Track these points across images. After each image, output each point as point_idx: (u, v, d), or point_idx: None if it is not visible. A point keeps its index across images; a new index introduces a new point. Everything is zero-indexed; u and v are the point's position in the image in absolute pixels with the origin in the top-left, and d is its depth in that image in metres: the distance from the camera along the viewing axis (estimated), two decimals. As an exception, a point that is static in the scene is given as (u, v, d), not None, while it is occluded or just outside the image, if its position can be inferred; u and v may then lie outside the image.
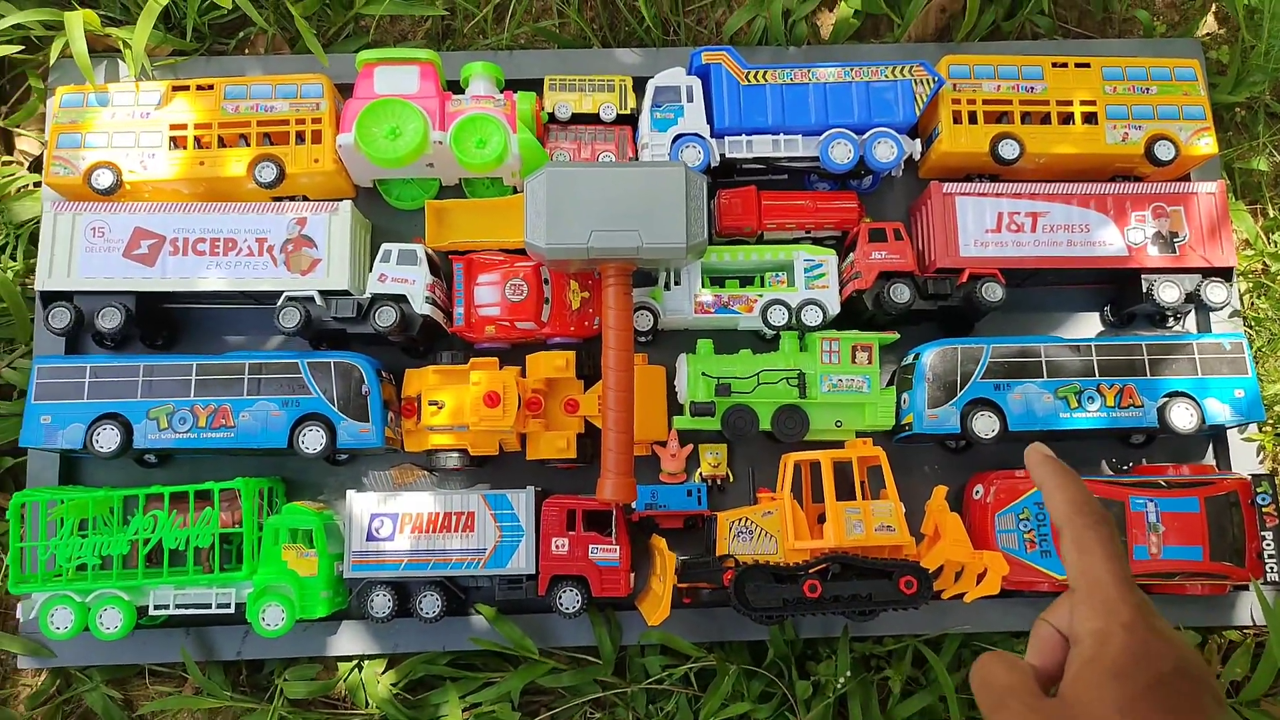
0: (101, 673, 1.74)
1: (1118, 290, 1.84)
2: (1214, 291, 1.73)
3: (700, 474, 1.79)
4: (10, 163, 1.90)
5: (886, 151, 1.75)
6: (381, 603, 1.65)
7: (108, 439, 1.62)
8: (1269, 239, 1.92)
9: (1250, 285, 1.88)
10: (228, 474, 1.71)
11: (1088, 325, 1.89)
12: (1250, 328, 1.86)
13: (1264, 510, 1.67)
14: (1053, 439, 1.73)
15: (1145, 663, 0.58)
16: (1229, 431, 1.80)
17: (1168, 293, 1.73)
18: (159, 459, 1.78)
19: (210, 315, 1.84)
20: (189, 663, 1.68)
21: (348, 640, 1.72)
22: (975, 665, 0.66)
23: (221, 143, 1.76)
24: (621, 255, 1.59)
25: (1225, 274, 1.76)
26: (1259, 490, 1.67)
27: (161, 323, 1.80)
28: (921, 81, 1.77)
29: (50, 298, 1.70)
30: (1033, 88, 1.81)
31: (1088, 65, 1.82)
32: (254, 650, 1.71)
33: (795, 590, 1.56)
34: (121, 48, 1.79)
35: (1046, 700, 0.62)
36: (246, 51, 1.95)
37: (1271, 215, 1.95)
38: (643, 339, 1.80)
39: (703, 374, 1.72)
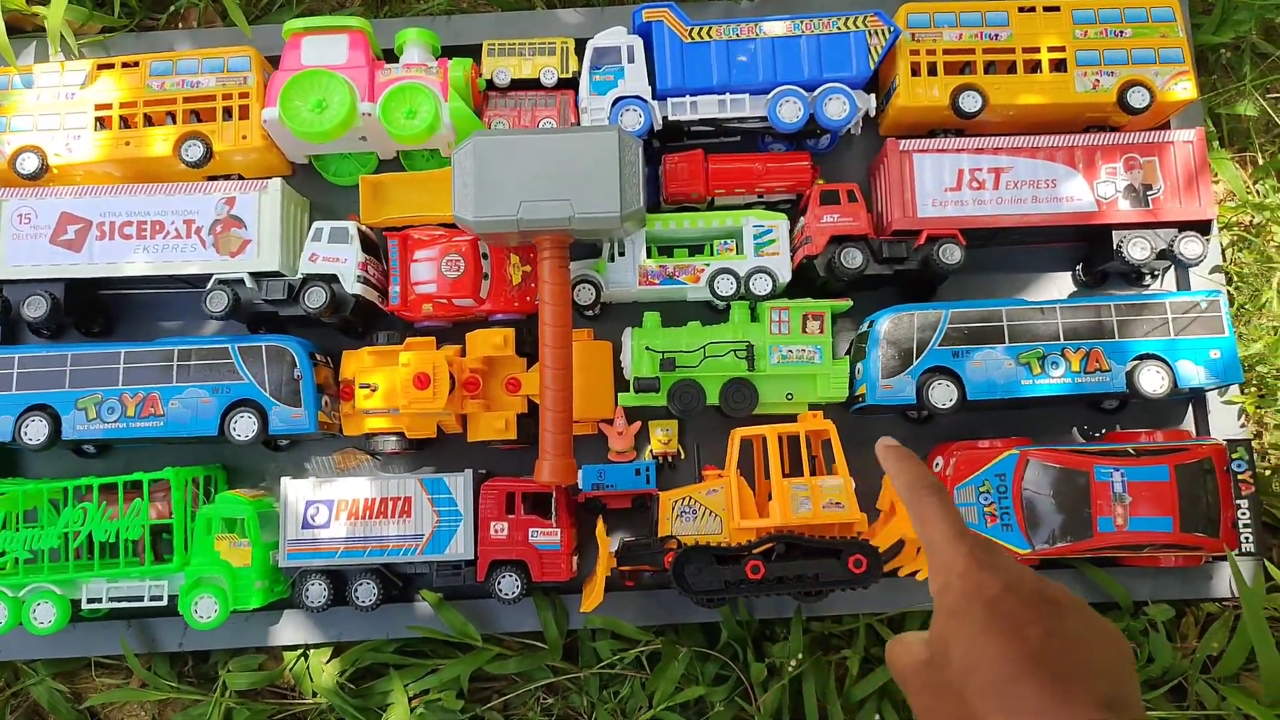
0: (46, 666, 1.72)
1: (1090, 248, 1.74)
2: (1188, 246, 1.63)
3: (650, 451, 1.73)
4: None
5: (838, 108, 1.66)
6: (317, 592, 1.60)
7: (36, 431, 1.59)
8: (1255, 188, 1.80)
9: (1233, 239, 1.77)
10: (170, 462, 1.67)
11: (1060, 285, 1.79)
12: (1233, 284, 1.75)
13: (1239, 477, 1.57)
14: (1017, 407, 1.64)
15: (976, 595, 0.62)
16: (1209, 394, 1.69)
17: (1137, 249, 1.63)
18: (98, 449, 1.75)
19: (146, 301, 1.79)
20: (129, 655, 1.65)
21: (291, 630, 1.69)
22: (888, 650, 0.70)
23: (149, 121, 1.71)
24: (554, 226, 1.52)
25: (1204, 227, 1.65)
26: (1234, 456, 1.57)
27: (96, 310, 1.76)
28: (876, 32, 1.66)
29: (-23, 288, 1.66)
30: (997, 35, 1.70)
31: (1057, 8, 1.71)
32: (196, 642, 1.68)
33: (738, 571, 1.50)
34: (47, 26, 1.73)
35: (923, 663, 0.65)
36: (179, 26, 1.89)
37: (1262, 163, 1.82)
38: (589, 313, 1.73)
39: (647, 348, 1.65)
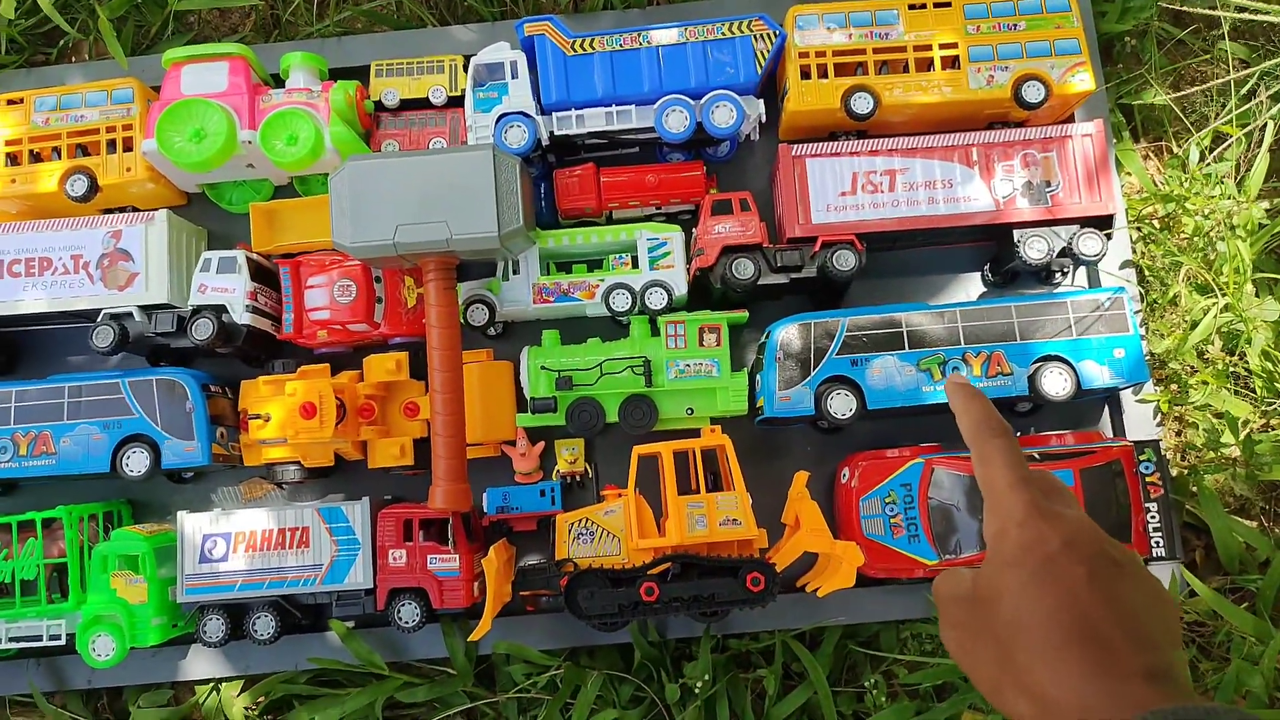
0: (-45, 708, 1.71)
1: (997, 248, 1.70)
2: (1087, 243, 1.59)
3: (557, 471, 1.70)
4: None
5: (725, 116, 1.62)
6: (214, 627, 1.59)
7: (-72, 473, 1.58)
8: (1163, 179, 1.76)
9: (1144, 233, 1.72)
10: (75, 499, 1.66)
11: (971, 287, 1.75)
12: (1144, 280, 1.71)
13: (1148, 480, 1.53)
14: (927, 414, 1.61)
15: (1034, 548, 0.61)
16: (1123, 394, 1.65)
17: (1034, 249, 1.59)
18: (3, 488, 1.74)
19: (46, 337, 1.78)
20: (36, 695, 1.64)
21: (201, 663, 1.67)
22: (936, 581, 0.71)
23: (35, 157, 1.70)
24: (432, 249, 1.50)
25: (1107, 223, 1.61)
26: (1141, 458, 1.54)
27: (-1, 347, 1.75)
28: (762, 36, 1.63)
29: None
30: (888, 34, 1.66)
31: (949, 4, 1.66)
32: (105, 679, 1.67)
33: (632, 594, 1.47)
34: (-72, 66, 1.72)
35: (968, 599, 0.66)
36: (73, 59, 1.87)
37: (1175, 152, 1.78)
38: (490, 333, 1.71)
39: (542, 367, 1.62)
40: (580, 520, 1.55)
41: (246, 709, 1.67)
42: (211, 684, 1.69)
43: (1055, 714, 0.57)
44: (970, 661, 0.65)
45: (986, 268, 1.73)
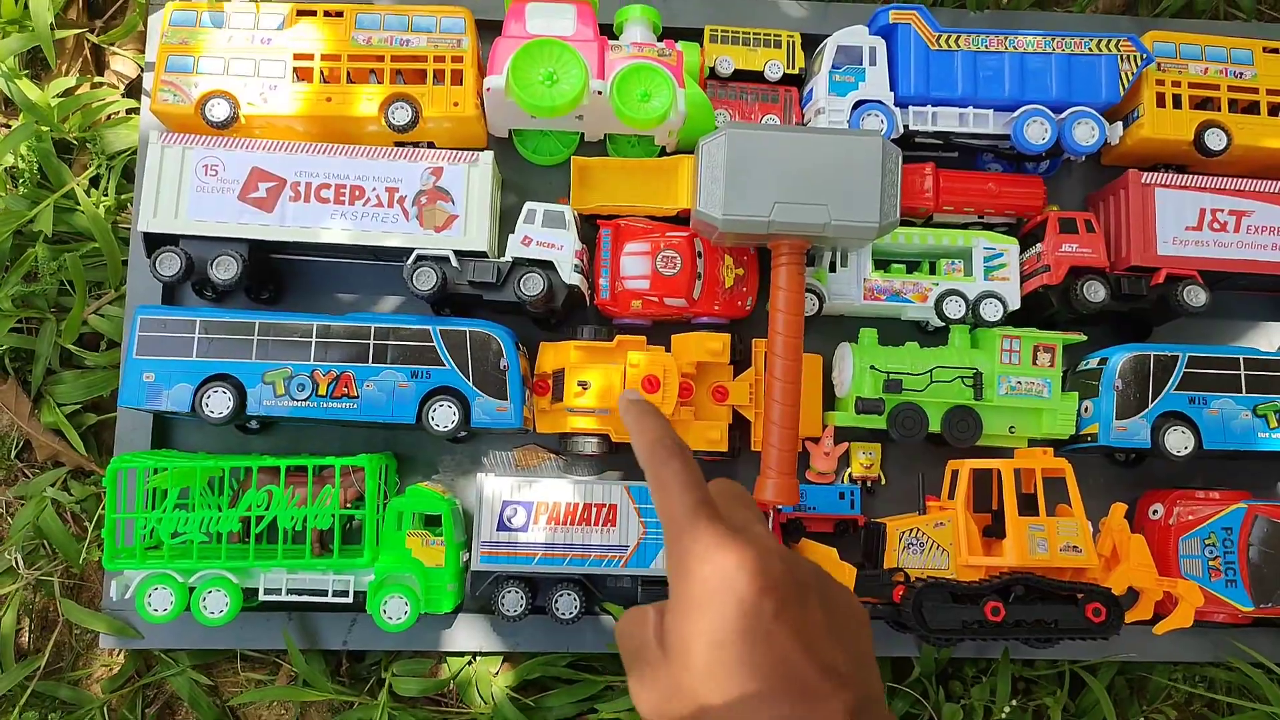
0: (190, 657, 1.58)
1: (1313, 300, 1.70)
2: None
3: (850, 474, 1.65)
4: (102, 84, 1.71)
5: (1087, 133, 1.59)
6: (514, 600, 1.49)
7: (219, 403, 1.45)
8: None
9: None
10: (333, 445, 1.56)
11: (1273, 336, 1.74)
12: None
13: None
14: (1240, 459, 1.59)
15: (719, 587, 0.54)
16: None
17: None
18: (261, 425, 1.61)
19: (320, 270, 1.66)
20: (293, 651, 1.52)
21: (465, 635, 1.57)
22: (618, 623, 0.62)
23: (349, 78, 1.58)
24: (805, 232, 1.43)
25: None
26: None
27: (269, 275, 1.63)
28: (1129, 58, 1.60)
29: (154, 240, 1.52)
30: (1241, 73, 1.65)
31: (1300, 50, 1.66)
32: (361, 641, 1.56)
33: (976, 612, 1.43)
34: (240, -39, 1.59)
35: (656, 654, 0.57)
36: (369, -24, 1.75)
37: None
38: (801, 323, 1.65)
39: (871, 367, 1.56)
40: (911, 530, 1.50)
41: (507, 687, 1.58)
42: (467, 658, 1.60)
43: None
44: None
45: (1299, 319, 1.72)
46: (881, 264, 1.65)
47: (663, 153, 1.68)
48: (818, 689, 0.52)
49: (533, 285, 1.51)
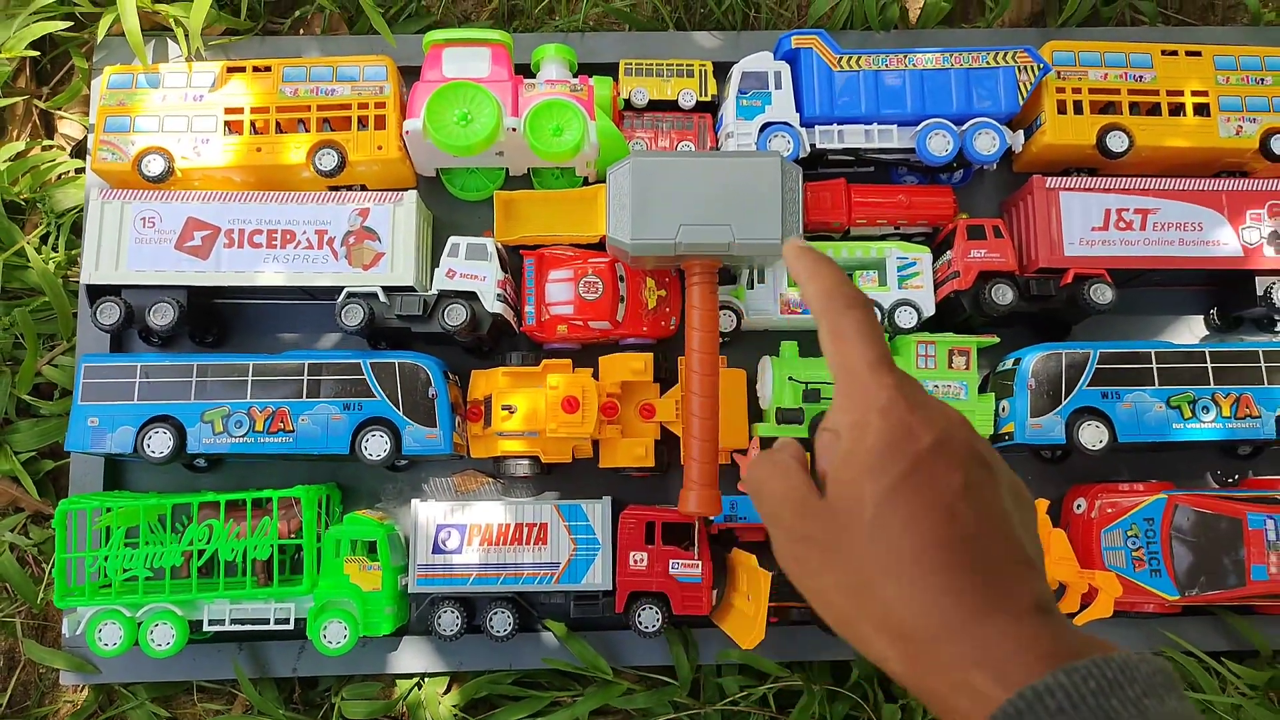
0: (148, 689, 1.64)
1: (1226, 292, 1.73)
2: (1334, 293, 1.63)
3: (782, 484, 1.68)
4: (51, 147, 1.80)
5: (988, 143, 1.64)
6: (449, 620, 1.55)
7: (160, 443, 1.52)
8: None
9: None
10: (278, 479, 1.61)
11: (1190, 328, 1.78)
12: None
13: (1394, 529, 1.56)
14: (1162, 450, 1.63)
15: (901, 446, 0.52)
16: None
17: (1281, 295, 1.62)
18: (209, 463, 1.68)
19: (260, 311, 1.73)
20: (243, 680, 1.58)
21: (410, 657, 1.62)
22: (748, 470, 0.59)
23: (279, 128, 1.66)
24: (713, 251, 1.49)
25: (1349, 273, 1.66)
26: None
27: (211, 319, 1.70)
28: (1025, 68, 1.66)
29: (97, 291, 1.59)
30: (1141, 76, 1.70)
31: (1199, 54, 1.71)
32: (310, 667, 1.61)
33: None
34: (174, 26, 1.68)
35: (816, 505, 0.54)
36: (301, 32, 1.84)
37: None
38: (723, 340, 1.70)
39: (789, 378, 1.61)
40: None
41: (454, 707, 1.62)
42: (416, 679, 1.64)
43: (932, 660, 0.48)
44: (815, 585, 0.55)
45: (1213, 312, 1.76)
46: (801, 279, 1.70)
47: (586, 182, 1.74)
48: (1007, 575, 0.49)
49: (456, 315, 1.57)
